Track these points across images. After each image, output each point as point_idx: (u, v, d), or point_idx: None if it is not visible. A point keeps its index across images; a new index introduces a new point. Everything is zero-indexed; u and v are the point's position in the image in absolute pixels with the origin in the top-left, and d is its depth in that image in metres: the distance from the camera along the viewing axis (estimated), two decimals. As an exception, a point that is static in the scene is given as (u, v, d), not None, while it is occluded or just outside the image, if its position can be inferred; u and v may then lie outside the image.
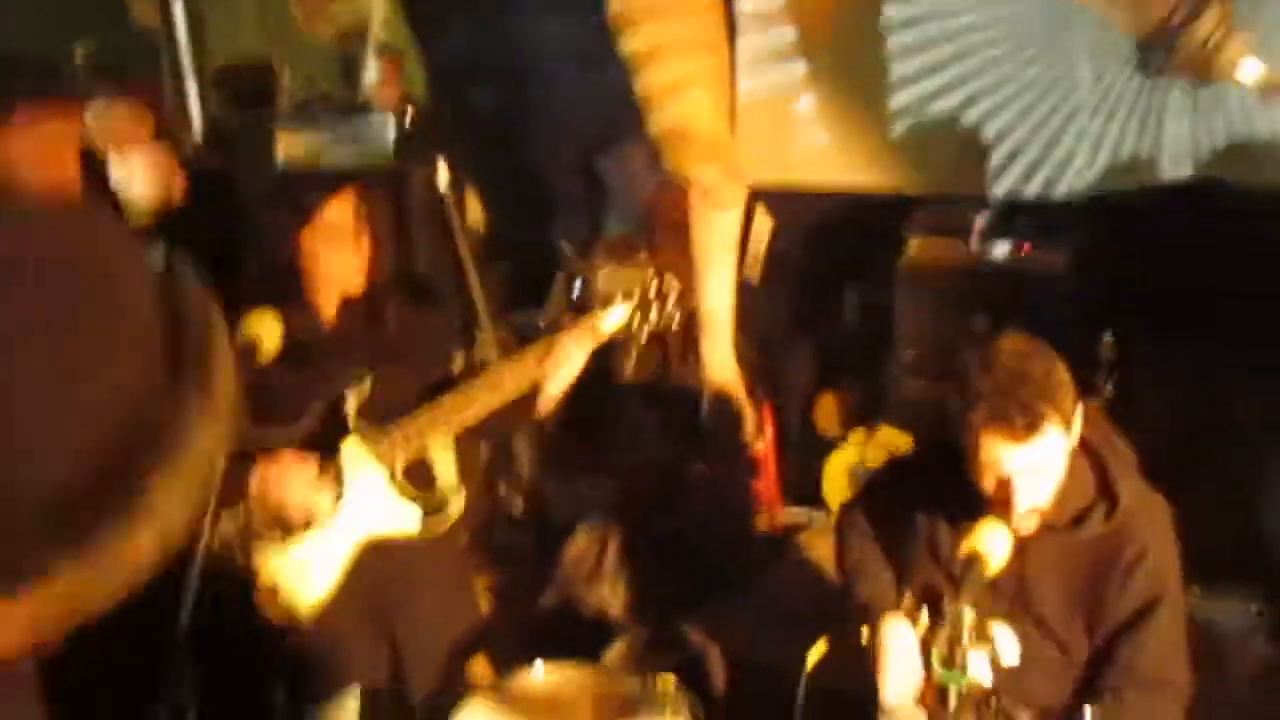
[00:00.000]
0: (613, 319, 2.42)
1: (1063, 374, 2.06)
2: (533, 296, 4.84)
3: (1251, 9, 1.69)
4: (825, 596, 3.38)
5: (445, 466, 2.62)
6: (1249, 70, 1.50)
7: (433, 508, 2.46)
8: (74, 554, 1.35)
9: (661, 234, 4.46)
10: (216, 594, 2.32)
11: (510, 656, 3.24)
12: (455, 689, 2.55)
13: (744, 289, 4.52)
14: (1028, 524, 2.11)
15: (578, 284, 4.64)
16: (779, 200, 4.44)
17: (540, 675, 2.50)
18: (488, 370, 2.41)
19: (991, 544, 2.02)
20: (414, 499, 2.44)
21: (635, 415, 4.21)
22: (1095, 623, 2.16)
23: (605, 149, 4.90)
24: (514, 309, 4.84)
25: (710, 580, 3.59)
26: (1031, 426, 1.99)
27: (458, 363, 3.92)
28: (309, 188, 2.38)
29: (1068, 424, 2.05)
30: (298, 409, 2.39)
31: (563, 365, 2.37)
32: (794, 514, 4.05)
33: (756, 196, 4.38)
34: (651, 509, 3.74)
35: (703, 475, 3.83)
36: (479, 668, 3.44)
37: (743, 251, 4.39)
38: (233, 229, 2.47)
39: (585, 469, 4.03)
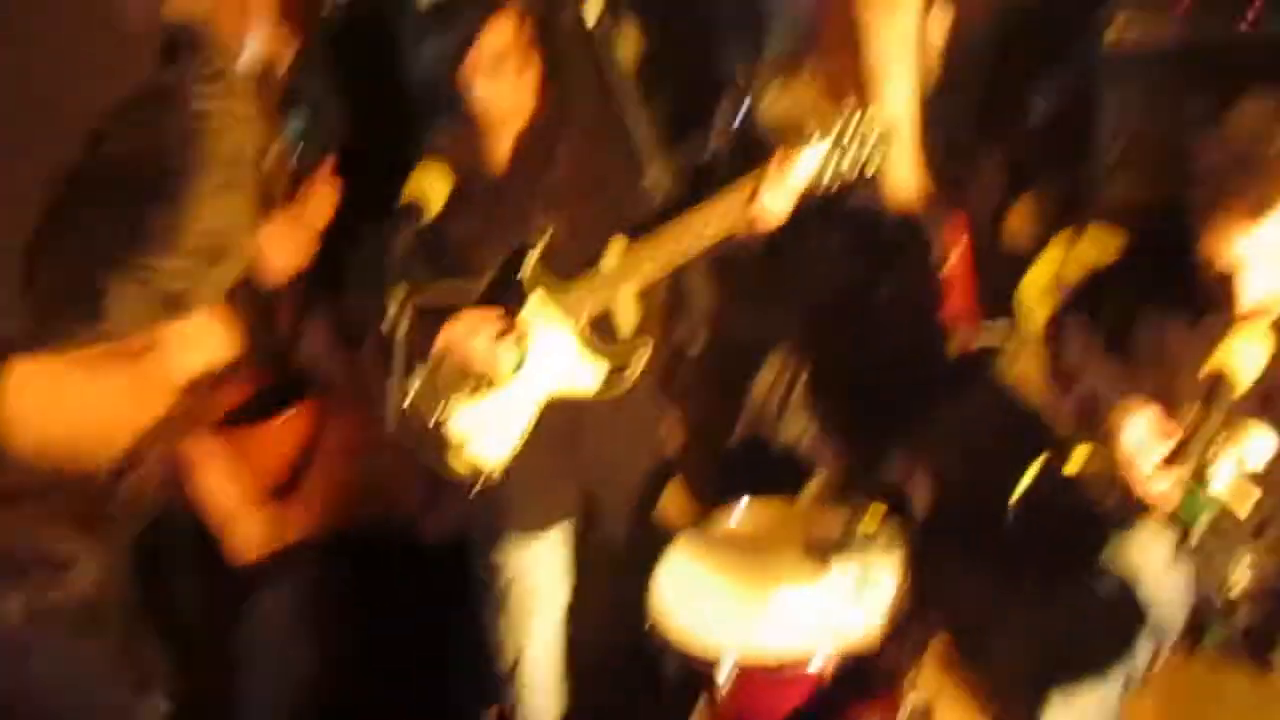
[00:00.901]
0: (812, 157, 2.23)
1: None
2: (696, 125, 4.63)
3: None
4: (1029, 420, 3.23)
5: (630, 317, 2.54)
6: None
7: (619, 362, 2.39)
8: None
9: (827, 46, 4.17)
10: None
11: (708, 493, 3.25)
12: (651, 529, 2.55)
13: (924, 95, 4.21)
14: (1260, 322, 1.90)
15: (743, 109, 4.41)
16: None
17: (744, 513, 2.47)
18: (684, 218, 2.26)
19: (1241, 361, 1.84)
20: (600, 355, 2.37)
21: (817, 237, 4.02)
22: None
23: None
24: (677, 140, 4.66)
25: (907, 405, 3.45)
26: (1259, 208, 1.81)
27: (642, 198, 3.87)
28: (463, 7, 2.22)
29: None
30: (478, 261, 2.34)
31: (770, 211, 2.21)
32: (991, 331, 3.83)
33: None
34: (840, 336, 3.60)
35: (892, 298, 3.64)
36: (676, 505, 3.48)
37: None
38: (389, 65, 2.35)
39: (767, 297, 3.90)
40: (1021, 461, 2.45)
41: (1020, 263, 3.87)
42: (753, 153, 2.50)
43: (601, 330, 2.40)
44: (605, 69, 3.86)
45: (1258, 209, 1.81)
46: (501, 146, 2.35)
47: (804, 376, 3.45)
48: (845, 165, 2.23)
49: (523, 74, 2.25)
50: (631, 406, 2.49)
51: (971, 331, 3.84)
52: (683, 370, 4.04)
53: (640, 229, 2.34)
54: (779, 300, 3.92)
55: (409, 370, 2.31)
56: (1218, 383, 1.83)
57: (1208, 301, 1.99)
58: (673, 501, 3.49)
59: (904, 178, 3.46)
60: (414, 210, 2.14)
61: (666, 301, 4.13)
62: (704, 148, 4.57)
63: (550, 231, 2.33)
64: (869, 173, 2.25)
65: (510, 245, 2.34)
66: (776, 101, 4.62)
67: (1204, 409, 1.82)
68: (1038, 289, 3.78)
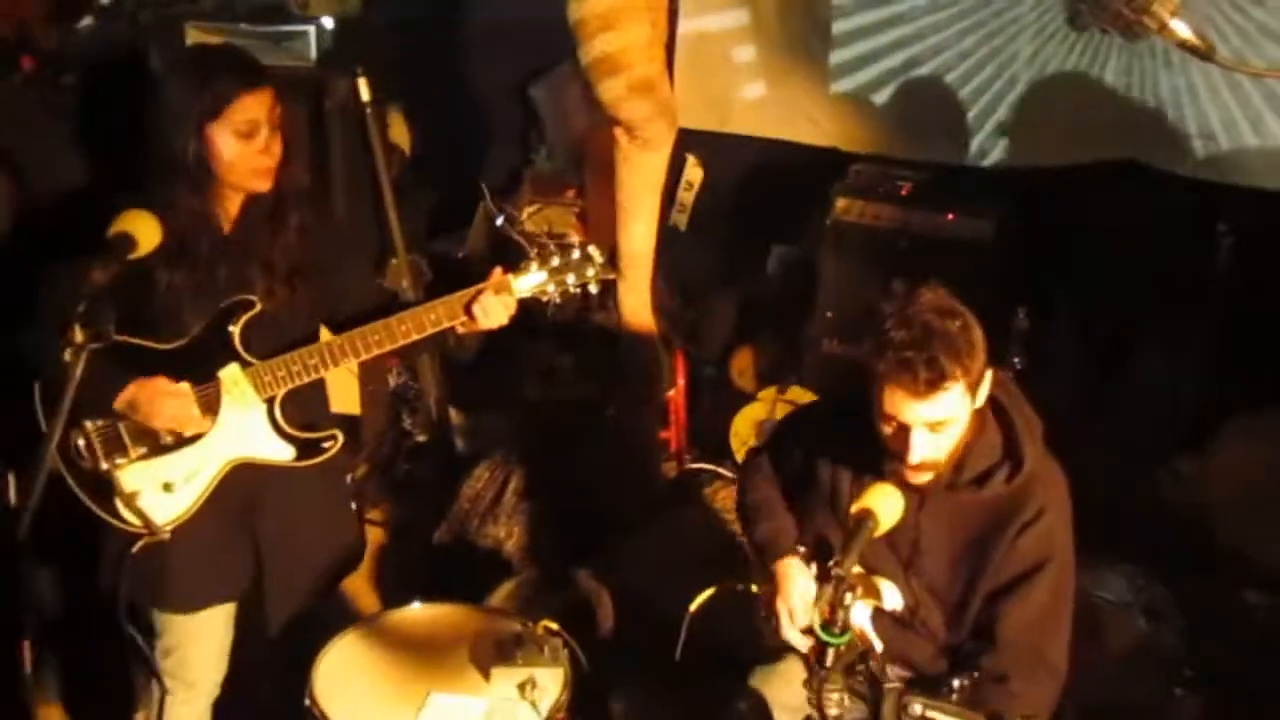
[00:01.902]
0: (525, 282, 2.34)
1: (977, 335, 2.05)
2: (458, 223, 4.70)
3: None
4: (724, 546, 3.40)
5: (327, 404, 2.53)
6: (1178, 30, 1.47)
7: (308, 448, 2.36)
8: None
9: (592, 173, 4.38)
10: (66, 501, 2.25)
11: (402, 589, 3.21)
12: (322, 617, 2.49)
13: (670, 236, 4.47)
14: (920, 478, 2.11)
15: (500, 218, 4.53)
16: (710, 151, 4.38)
17: (420, 614, 2.46)
18: (393, 319, 2.29)
19: (884, 505, 2.01)
20: (289, 438, 2.34)
21: (550, 355, 4.14)
22: (978, 583, 2.17)
23: (541, 78, 4.76)
24: (436, 236, 4.71)
25: (610, 524, 3.56)
26: (934, 383, 1.98)
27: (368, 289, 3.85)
28: (224, 76, 2.22)
29: (974, 386, 2.04)
30: (183, 316, 2.27)
31: (491, 312, 2.29)
32: (702, 466, 4.03)
33: (688, 146, 4.33)
34: (557, 449, 3.69)
35: (611, 419, 3.78)
36: (365, 598, 3.41)
37: (670, 198, 4.34)
38: (140, 110, 2.28)
39: (494, 403, 3.96)
40: (709, 581, 2.56)
41: (741, 399, 4.14)
42: (510, 256, 2.57)
43: (299, 412, 2.37)
44: (372, 151, 3.89)
45: (930, 387, 1.97)
46: (230, 208, 2.32)
47: (515, 483, 3.50)
48: (561, 291, 2.35)
49: (268, 147, 2.25)
50: (317, 492, 2.45)
51: (682, 456, 4.04)
52: (402, 462, 4.03)
53: (357, 318, 2.34)
54: (506, 406, 4.00)
55: (87, 413, 2.22)
56: (865, 518, 1.97)
57: (883, 463, 2.12)
58: (362, 593, 3.43)
59: (637, 308, 3.63)
60: (122, 243, 2.06)
61: (397, 391, 4.13)
62: (461, 245, 4.66)
63: (260, 302, 2.29)
64: (582, 296, 2.38)
65: (218, 306, 2.28)
66: (535, 214, 4.78)
67: (847, 543, 1.94)
68: (748, 425, 4.03)
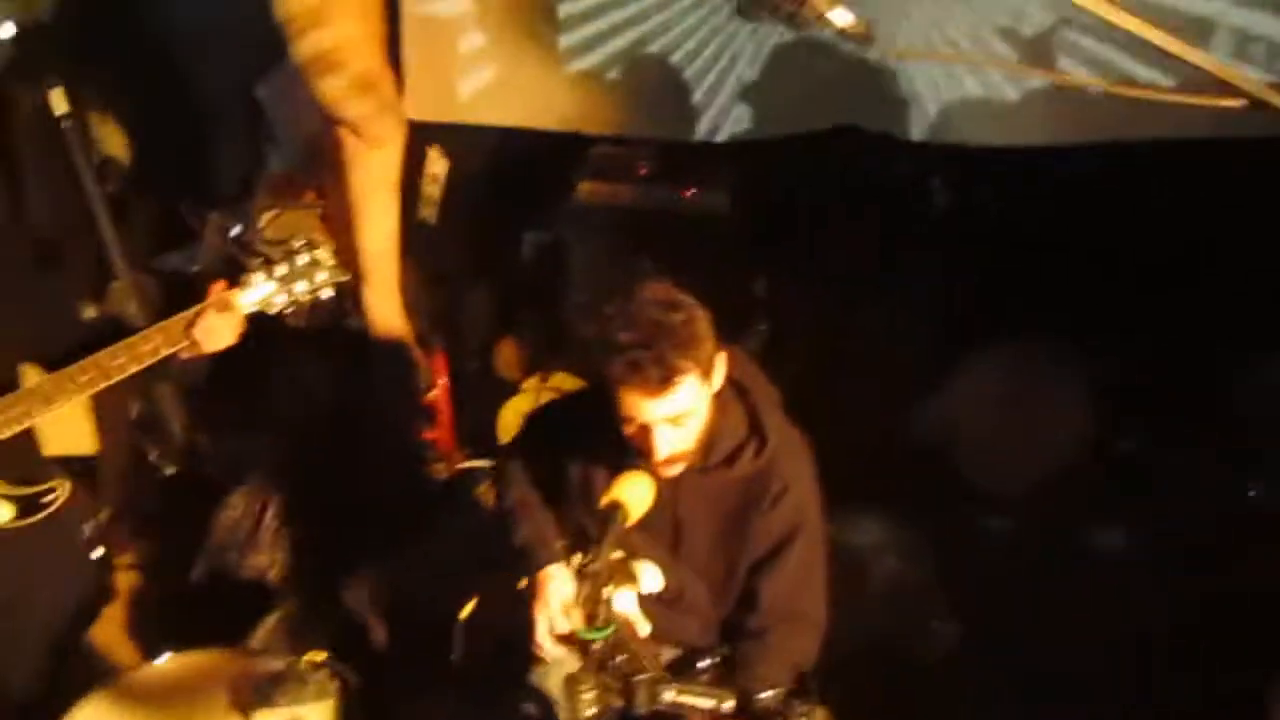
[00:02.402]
0: (250, 296, 2.21)
1: (702, 324, 2.07)
2: (191, 237, 4.42)
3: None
4: (498, 545, 3.36)
5: (38, 451, 2.32)
6: (839, 17, 1.52)
7: (29, 504, 2.17)
8: None
9: (330, 172, 4.20)
10: None
11: (161, 635, 3.01)
12: (70, 676, 2.31)
13: (419, 232, 4.36)
14: (671, 470, 2.13)
15: (236, 227, 4.28)
16: (454, 141, 4.29)
17: (172, 663, 2.31)
18: (104, 354, 2.11)
19: (632, 494, 2.02)
20: (5, 497, 2.14)
21: (299, 365, 3.96)
22: (738, 557, 2.23)
23: (267, 77, 4.52)
24: (166, 250, 4.41)
25: (382, 536, 3.46)
26: (666, 380, 2.00)
27: (88, 312, 3.56)
28: None
29: (707, 373, 2.08)
30: None
31: (211, 335, 2.14)
32: (473, 464, 3.96)
33: (430, 138, 4.22)
34: (317, 467, 3.54)
35: (371, 428, 3.66)
36: (120, 649, 3.18)
37: (412, 193, 4.23)
38: None
39: (242, 426, 3.75)
40: (485, 582, 2.51)
41: (509, 391, 4.10)
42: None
43: (8, 467, 2.16)
44: (76, 170, 3.59)
45: (662, 384, 1.99)
46: None
47: (274, 508, 3.34)
48: (289, 299, 2.23)
49: None
50: (46, 549, 2.26)
51: (452, 456, 3.96)
52: (149, 499, 3.77)
53: (72, 352, 2.15)
54: (256, 427, 3.80)
55: None
56: (614, 510, 1.97)
57: (629, 452, 2.13)
58: (117, 643, 3.20)
59: (385, 310, 3.52)
60: None
61: (138, 423, 3.85)
62: (194, 259, 4.38)
63: None
64: (315, 303, 2.27)
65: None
66: (275, 220, 4.55)
67: (601, 533, 1.93)
68: (515, 417, 4.00)
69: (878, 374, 3.35)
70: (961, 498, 3.32)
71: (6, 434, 2.12)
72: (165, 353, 2.16)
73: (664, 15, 3.85)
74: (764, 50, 3.75)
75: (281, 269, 2.24)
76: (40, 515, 2.21)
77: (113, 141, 4.41)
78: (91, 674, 2.37)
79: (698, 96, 3.88)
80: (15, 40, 3.42)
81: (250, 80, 4.48)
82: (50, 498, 2.22)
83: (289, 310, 2.27)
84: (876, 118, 3.65)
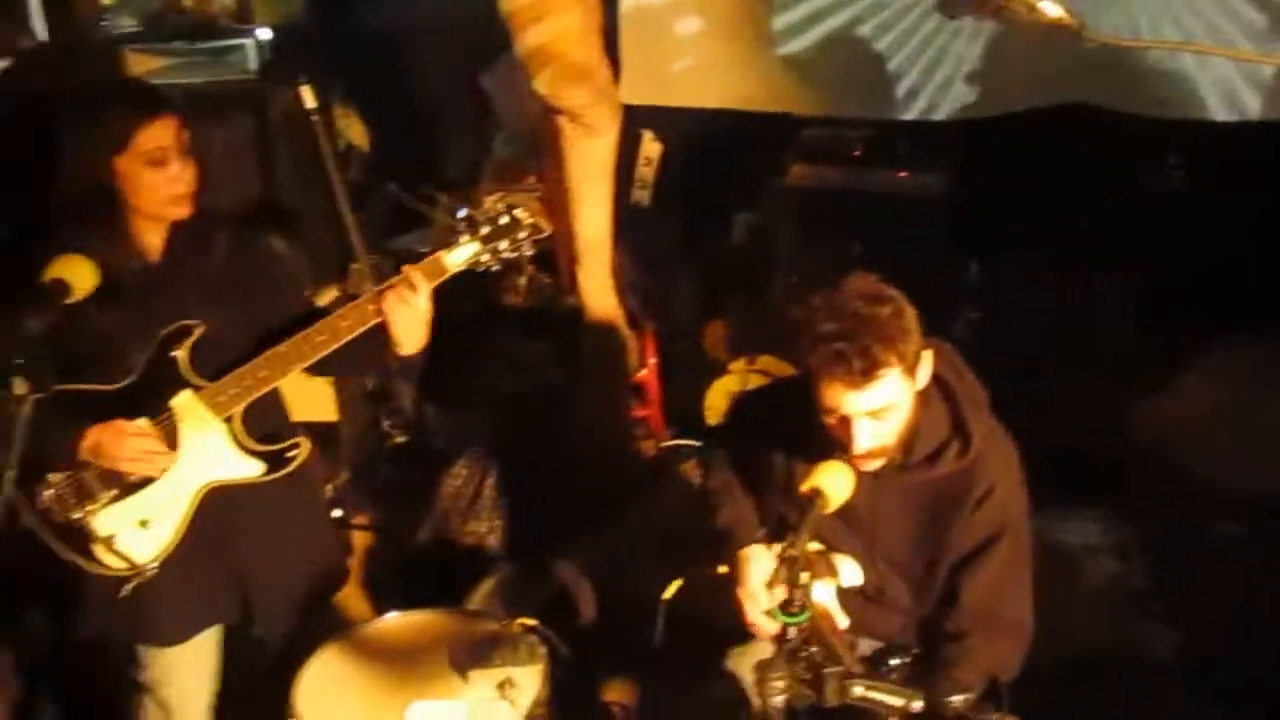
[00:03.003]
0: (458, 255, 2.32)
1: (909, 318, 2.04)
2: (427, 219, 4.69)
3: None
4: (703, 524, 3.43)
5: (285, 413, 2.53)
6: (1047, 10, 1.46)
7: (276, 460, 2.38)
8: None
9: (548, 158, 4.36)
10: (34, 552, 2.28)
11: (390, 593, 3.25)
12: (312, 629, 2.52)
13: (633, 214, 4.47)
14: (871, 464, 2.12)
15: (463, 209, 4.50)
16: (666, 124, 4.37)
17: (397, 622, 2.49)
18: (328, 319, 2.29)
19: (832, 482, 2.02)
20: (255, 454, 2.35)
21: (518, 344, 4.15)
22: (939, 557, 2.20)
23: (491, 66, 4.73)
24: (404, 233, 4.70)
25: (590, 511, 3.59)
26: (869, 372, 1.98)
27: (328, 295, 3.85)
28: (123, 108, 2.20)
29: (911, 369, 2.04)
30: (124, 354, 2.28)
31: (401, 304, 2.27)
32: (679, 442, 4.05)
33: (643, 121, 4.32)
34: (531, 440, 3.71)
35: (583, 405, 3.80)
36: (354, 604, 3.44)
37: (628, 177, 4.33)
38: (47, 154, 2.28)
39: (466, 399, 3.97)
40: (688, 561, 2.58)
41: (717, 371, 4.16)
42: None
43: (260, 426, 2.38)
44: (322, 157, 3.88)
45: (864, 376, 1.97)
46: (154, 238, 2.32)
47: (492, 477, 3.53)
48: (496, 258, 2.32)
49: (181, 173, 2.25)
50: (292, 506, 2.47)
51: (660, 434, 4.06)
52: (383, 466, 4.05)
53: (303, 323, 2.34)
54: (479, 401, 4.02)
55: (50, 466, 2.24)
56: (814, 497, 1.97)
57: (832, 444, 2.11)
58: (351, 599, 3.47)
59: (597, 292, 3.64)
60: (57, 288, 2.06)
61: (373, 395, 4.14)
62: (425, 240, 4.65)
63: (201, 326, 2.30)
64: (525, 260, 2.36)
65: (158, 338, 2.29)
66: (498, 203, 4.77)
67: (800, 519, 1.94)
68: (721, 398, 4.05)
69: (1097, 367, 3.20)
70: (1183, 498, 3.13)
71: (254, 396, 2.32)
72: (359, 329, 2.28)
73: (878, -9, 3.80)
74: (984, 26, 3.64)
75: (484, 229, 2.33)
76: (285, 470, 2.39)
77: (353, 131, 4.75)
78: (335, 626, 2.58)
79: (914, 75, 3.81)
80: (272, 43, 3.74)
81: (476, 72, 4.72)
82: (294, 453, 2.39)
83: (495, 267, 2.34)
84: (1105, 93, 3.48)
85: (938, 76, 3.79)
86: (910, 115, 3.84)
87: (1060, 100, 3.56)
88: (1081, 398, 3.14)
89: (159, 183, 2.22)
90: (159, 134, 2.20)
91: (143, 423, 2.26)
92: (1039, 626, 2.19)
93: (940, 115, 3.82)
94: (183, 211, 2.27)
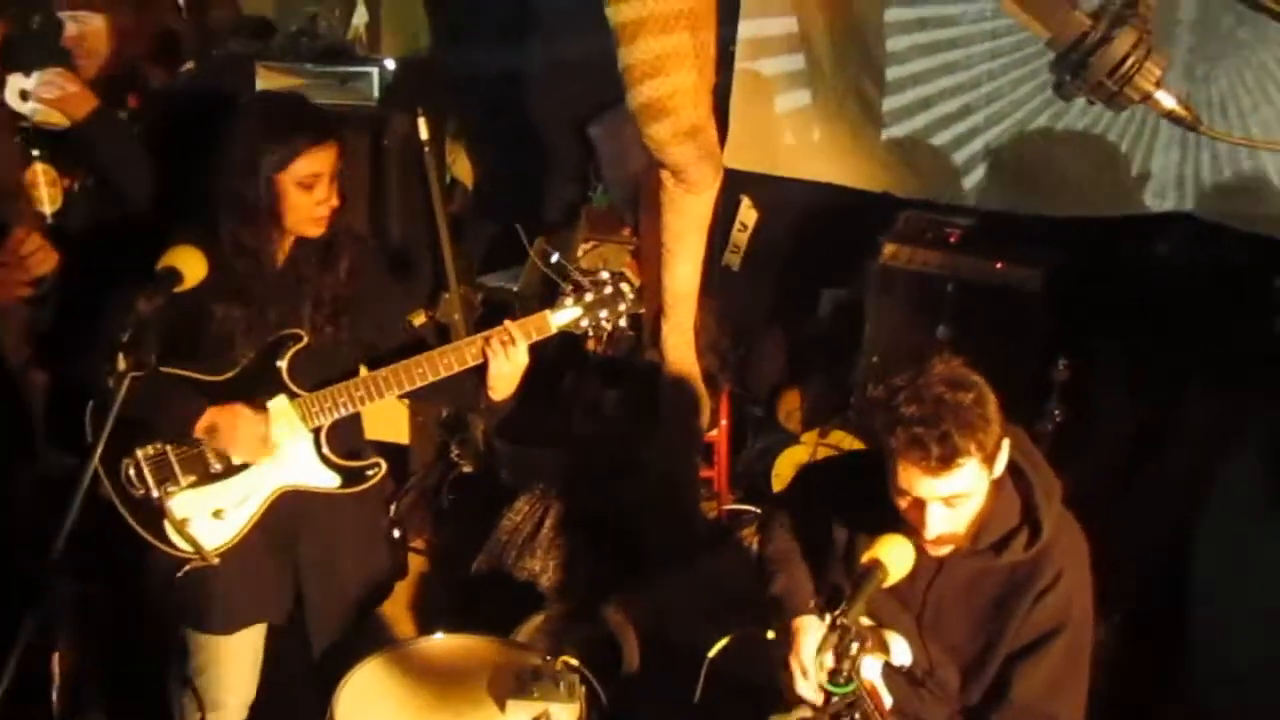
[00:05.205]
0: (562, 317, 2.40)
1: (991, 407, 2.01)
2: (519, 258, 4.79)
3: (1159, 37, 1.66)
4: (757, 589, 3.39)
5: (363, 434, 2.60)
6: (1163, 101, 1.44)
7: (353, 476, 2.44)
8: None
9: (645, 212, 4.43)
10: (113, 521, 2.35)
11: (438, 617, 3.27)
12: (354, 641, 2.55)
13: (723, 276, 4.51)
14: (939, 550, 2.09)
15: (555, 254, 4.60)
16: (764, 192, 4.41)
17: (443, 644, 2.51)
18: (430, 353, 2.37)
19: (893, 555, 2.00)
20: (335, 467, 2.43)
21: (595, 390, 4.19)
22: (995, 646, 2.15)
23: (600, 116, 4.84)
24: (495, 270, 4.80)
25: (645, 561, 3.59)
26: (948, 460, 1.95)
27: (417, 319, 3.94)
28: (296, 131, 2.31)
29: (990, 459, 2.01)
30: (237, 342, 2.37)
31: (500, 353, 2.34)
32: (742, 507, 4.03)
33: (743, 187, 4.37)
34: (596, 485, 3.73)
35: (652, 458, 3.81)
36: (403, 625, 3.47)
37: (721, 239, 4.38)
38: (208, 149, 2.40)
39: (536, 438, 4.01)
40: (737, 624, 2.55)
41: (787, 440, 4.14)
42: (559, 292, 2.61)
43: (343, 442, 2.45)
44: (429, 186, 4.00)
45: (942, 464, 1.94)
46: (284, 246, 2.42)
47: (553, 517, 3.55)
48: (594, 325, 2.40)
49: (327, 198, 2.36)
50: (355, 520, 2.53)
51: (723, 496, 4.05)
52: (449, 492, 4.10)
53: (389, 356, 2.41)
54: (551, 440, 4.06)
55: (155, 437, 2.33)
56: (873, 568, 1.96)
57: (900, 520, 2.09)
58: (400, 619, 3.50)
59: (680, 347, 3.66)
60: (170, 276, 2.16)
61: (446, 422, 4.21)
62: (516, 279, 4.75)
63: (307, 337, 2.38)
64: (616, 333, 2.42)
65: (266, 341, 2.38)
66: (591, 251, 4.85)
67: (854, 592, 1.93)
68: (790, 467, 4.03)
69: (1177, 479, 3.09)
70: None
71: (346, 413, 2.40)
72: (457, 369, 2.36)
73: (994, 84, 3.80)
74: (1099, 125, 3.62)
75: (589, 295, 2.41)
76: (360, 487, 2.46)
77: (460, 167, 4.88)
78: (381, 643, 2.61)
79: (1023, 169, 3.79)
80: (395, 73, 3.88)
81: (585, 119, 4.83)
82: (372, 473, 2.47)
83: (590, 333, 2.42)
84: (1213, 206, 3.42)
85: (1050, 174, 3.77)
86: (1012, 209, 3.81)
87: (1165, 209, 3.52)
88: (1148, 515, 3.04)
89: (304, 204, 2.33)
90: (319, 162, 2.32)
91: (257, 414, 2.34)
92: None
93: (1045, 211, 3.79)
94: (316, 231, 2.39)
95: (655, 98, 3.20)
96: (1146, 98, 1.50)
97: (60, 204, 2.87)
